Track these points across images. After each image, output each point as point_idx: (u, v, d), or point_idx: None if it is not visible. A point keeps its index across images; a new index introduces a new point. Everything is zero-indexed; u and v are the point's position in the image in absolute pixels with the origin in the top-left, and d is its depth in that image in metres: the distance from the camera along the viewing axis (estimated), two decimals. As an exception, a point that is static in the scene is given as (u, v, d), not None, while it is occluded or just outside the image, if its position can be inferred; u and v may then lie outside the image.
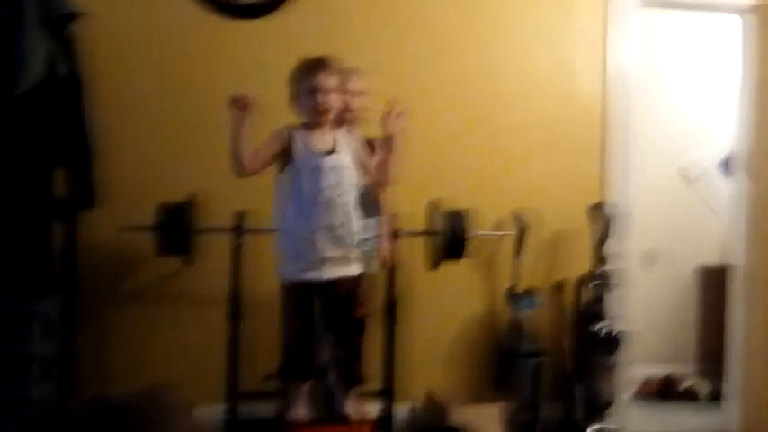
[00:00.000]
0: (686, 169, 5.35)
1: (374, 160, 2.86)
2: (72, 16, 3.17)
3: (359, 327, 2.84)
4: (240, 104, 2.62)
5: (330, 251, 2.72)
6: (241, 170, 2.68)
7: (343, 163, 2.77)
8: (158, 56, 3.79)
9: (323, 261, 2.72)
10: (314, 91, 2.72)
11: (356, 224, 2.81)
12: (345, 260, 2.77)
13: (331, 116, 2.78)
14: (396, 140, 2.78)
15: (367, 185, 3.19)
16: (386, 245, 3.28)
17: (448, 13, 4.05)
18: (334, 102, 2.76)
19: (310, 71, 2.74)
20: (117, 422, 2.14)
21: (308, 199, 2.70)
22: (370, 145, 3.01)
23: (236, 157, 2.66)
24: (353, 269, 2.80)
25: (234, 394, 3.23)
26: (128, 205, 3.59)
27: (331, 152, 2.76)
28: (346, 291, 2.78)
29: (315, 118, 2.76)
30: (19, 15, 3.02)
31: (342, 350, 2.85)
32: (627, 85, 4.20)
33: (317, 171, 2.71)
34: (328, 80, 2.74)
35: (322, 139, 2.77)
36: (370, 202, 3.22)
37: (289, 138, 2.74)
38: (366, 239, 3.15)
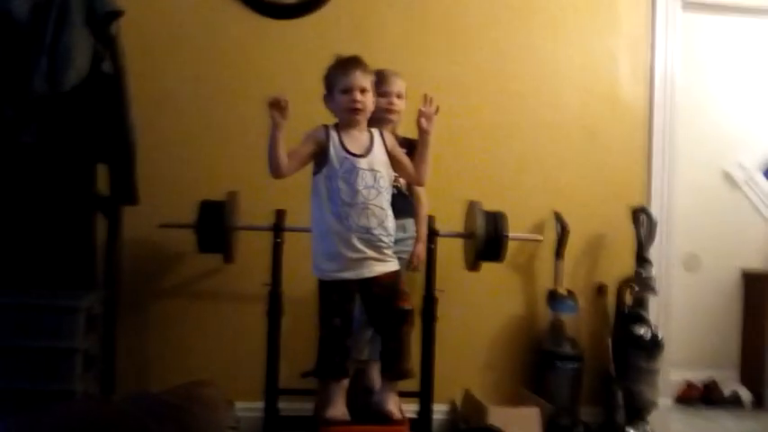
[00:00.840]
0: (730, 173, 5.28)
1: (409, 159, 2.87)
2: (115, 15, 3.20)
3: (404, 319, 2.82)
4: (278, 106, 2.63)
5: (367, 252, 2.72)
6: (278, 172, 2.70)
7: (378, 164, 2.76)
8: (197, 54, 3.82)
9: (360, 261, 2.72)
10: (348, 90, 2.72)
11: (391, 224, 2.80)
12: (382, 259, 2.77)
13: (365, 116, 2.78)
14: (429, 137, 2.79)
15: (402, 185, 3.20)
16: (419, 246, 3.27)
17: (487, 15, 4.02)
18: (368, 101, 2.76)
19: (345, 70, 2.74)
20: (160, 416, 2.15)
21: (343, 200, 2.70)
22: (407, 144, 3.01)
23: (273, 158, 2.68)
24: (391, 266, 2.80)
25: (273, 391, 3.23)
26: (169, 202, 3.62)
27: (366, 153, 2.75)
28: (387, 285, 2.77)
29: (348, 117, 2.76)
30: (65, 14, 3.06)
31: (388, 345, 2.83)
32: (670, 88, 4.16)
33: (352, 173, 2.71)
34: (363, 79, 2.74)
35: (357, 139, 2.77)
36: (404, 202, 3.21)
37: (324, 138, 2.74)
38: (401, 240, 3.15)
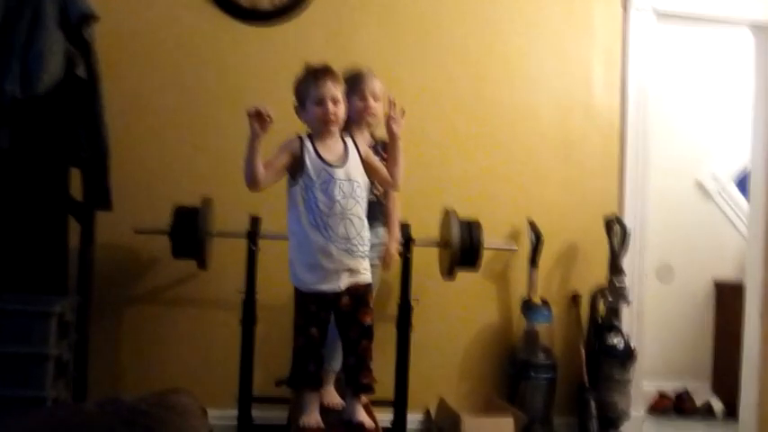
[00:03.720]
0: (703, 183, 5.33)
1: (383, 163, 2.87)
2: (90, 18, 3.18)
3: (365, 334, 2.80)
4: (259, 118, 2.61)
5: (345, 262, 2.70)
6: (254, 184, 2.66)
7: (354, 173, 2.74)
8: (174, 59, 3.82)
9: (338, 272, 2.70)
10: (320, 101, 2.70)
11: (368, 233, 2.79)
12: (357, 270, 2.75)
13: (338, 126, 2.76)
14: (399, 141, 2.79)
15: (381, 193, 3.19)
16: (393, 245, 3.27)
17: (464, 26, 4.05)
18: (341, 111, 2.74)
19: (316, 81, 2.71)
20: (132, 424, 2.12)
21: (322, 211, 2.67)
22: (385, 147, 3.01)
23: (250, 170, 2.64)
24: (365, 277, 2.79)
25: (247, 399, 3.22)
26: (143, 207, 3.62)
27: (343, 163, 2.73)
28: (355, 297, 2.76)
29: (322, 128, 2.73)
30: (38, 17, 3.03)
31: (348, 359, 2.82)
32: (644, 98, 4.20)
33: (330, 183, 2.69)
34: (334, 89, 2.71)
35: (332, 149, 2.75)
36: (379, 210, 3.21)
37: (299, 149, 2.71)
38: (373, 245, 3.14)
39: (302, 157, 2.70)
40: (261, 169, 2.65)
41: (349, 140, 2.81)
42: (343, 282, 2.71)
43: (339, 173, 2.70)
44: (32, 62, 2.97)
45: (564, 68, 4.15)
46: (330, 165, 2.71)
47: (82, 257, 3.42)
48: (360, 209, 2.74)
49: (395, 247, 3.28)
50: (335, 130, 2.76)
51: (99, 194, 3.34)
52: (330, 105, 2.70)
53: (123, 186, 3.49)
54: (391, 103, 2.80)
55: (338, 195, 2.68)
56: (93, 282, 3.49)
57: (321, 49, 3.78)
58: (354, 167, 2.76)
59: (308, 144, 2.73)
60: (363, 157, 2.80)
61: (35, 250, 3.22)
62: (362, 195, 2.76)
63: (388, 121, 2.78)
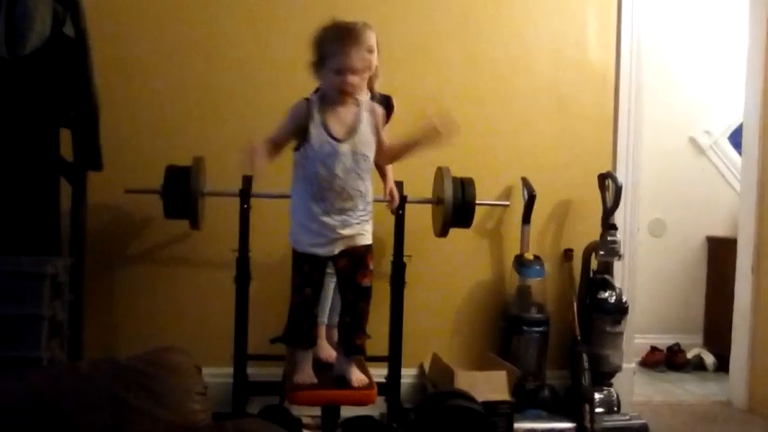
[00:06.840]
0: (696, 138, 5.33)
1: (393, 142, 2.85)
2: (78, -24, 3.13)
3: (362, 295, 2.81)
4: (249, 155, 2.51)
5: (341, 232, 2.70)
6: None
7: (362, 146, 2.68)
8: (165, 17, 3.76)
9: (333, 240, 2.70)
10: (340, 71, 2.59)
11: (366, 205, 2.76)
12: (353, 236, 2.74)
13: (355, 95, 2.68)
14: (430, 143, 2.76)
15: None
16: (391, 184, 3.27)
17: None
18: (359, 81, 2.64)
19: (342, 46, 2.58)
20: (127, 383, 2.14)
21: (320, 184, 2.65)
22: (384, 100, 2.98)
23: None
24: (364, 239, 2.78)
25: (242, 356, 3.24)
26: (135, 167, 3.60)
27: (349, 135, 2.67)
28: (354, 260, 2.76)
29: (337, 97, 2.66)
30: (25, -26, 2.98)
31: (344, 319, 2.83)
32: (637, 53, 4.16)
33: (332, 156, 2.63)
34: (358, 60, 2.60)
35: (342, 118, 2.68)
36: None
37: (305, 115, 2.65)
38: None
39: (307, 126, 2.65)
40: (271, 158, 2.61)
41: (364, 106, 2.74)
42: (338, 248, 2.72)
43: (343, 147, 2.65)
44: (18, 21, 2.92)
45: (558, 24, 4.11)
46: (335, 139, 2.65)
47: (74, 218, 3.41)
48: (361, 182, 2.70)
49: (394, 187, 3.28)
50: (350, 99, 2.69)
51: (89, 155, 3.32)
52: (350, 77, 2.60)
53: (114, 146, 3.47)
54: (444, 114, 2.76)
55: (339, 170, 2.64)
56: (86, 242, 3.48)
57: (312, 3, 3.73)
58: (363, 140, 2.69)
59: (316, 113, 2.66)
60: (376, 127, 2.74)
61: (27, 212, 3.20)
62: (366, 167, 2.72)
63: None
